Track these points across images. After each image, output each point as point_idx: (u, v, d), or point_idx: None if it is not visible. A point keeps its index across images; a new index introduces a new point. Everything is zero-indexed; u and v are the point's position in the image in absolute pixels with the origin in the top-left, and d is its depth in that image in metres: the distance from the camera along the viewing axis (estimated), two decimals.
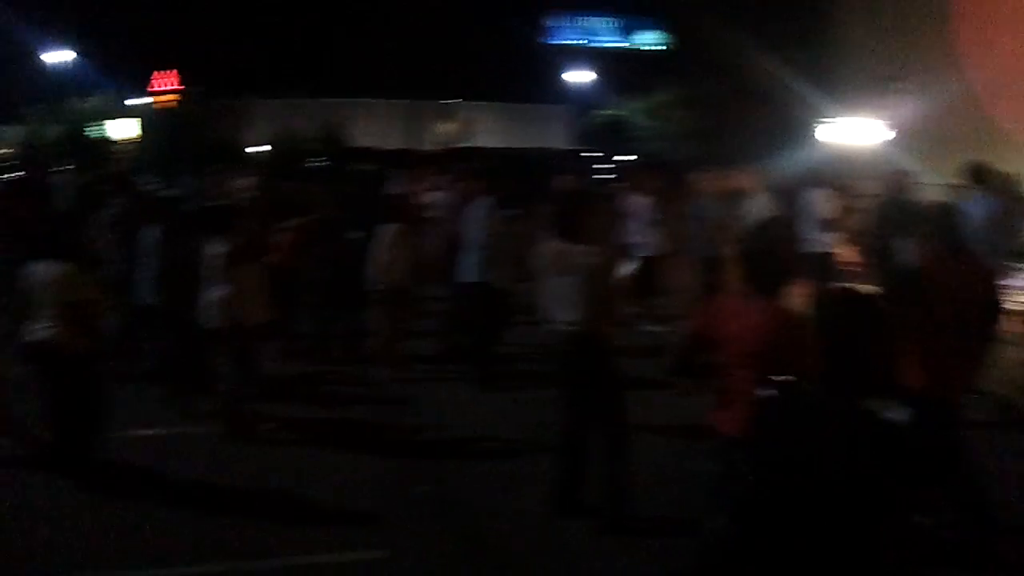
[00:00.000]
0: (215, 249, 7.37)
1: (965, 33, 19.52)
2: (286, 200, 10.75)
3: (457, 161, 17.15)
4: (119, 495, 6.24)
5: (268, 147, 45.81)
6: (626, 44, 62.75)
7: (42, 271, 6.38)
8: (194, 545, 5.49)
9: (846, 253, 10.78)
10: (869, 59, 22.35)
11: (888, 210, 9.79)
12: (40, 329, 6.30)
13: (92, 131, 45.19)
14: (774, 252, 4.09)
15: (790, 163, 15.75)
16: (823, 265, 10.25)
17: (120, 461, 6.71)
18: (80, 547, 5.47)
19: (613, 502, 5.57)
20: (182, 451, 7.08)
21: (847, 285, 9.95)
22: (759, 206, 9.59)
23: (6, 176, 18.47)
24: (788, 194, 11.19)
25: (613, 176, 34.08)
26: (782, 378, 3.01)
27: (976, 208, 8.46)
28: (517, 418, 7.97)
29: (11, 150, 41.67)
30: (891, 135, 18.37)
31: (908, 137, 20.15)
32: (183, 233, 8.23)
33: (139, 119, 47.02)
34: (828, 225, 10.28)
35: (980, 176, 8.88)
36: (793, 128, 25.94)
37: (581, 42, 60.95)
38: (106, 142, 44.82)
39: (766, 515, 2.80)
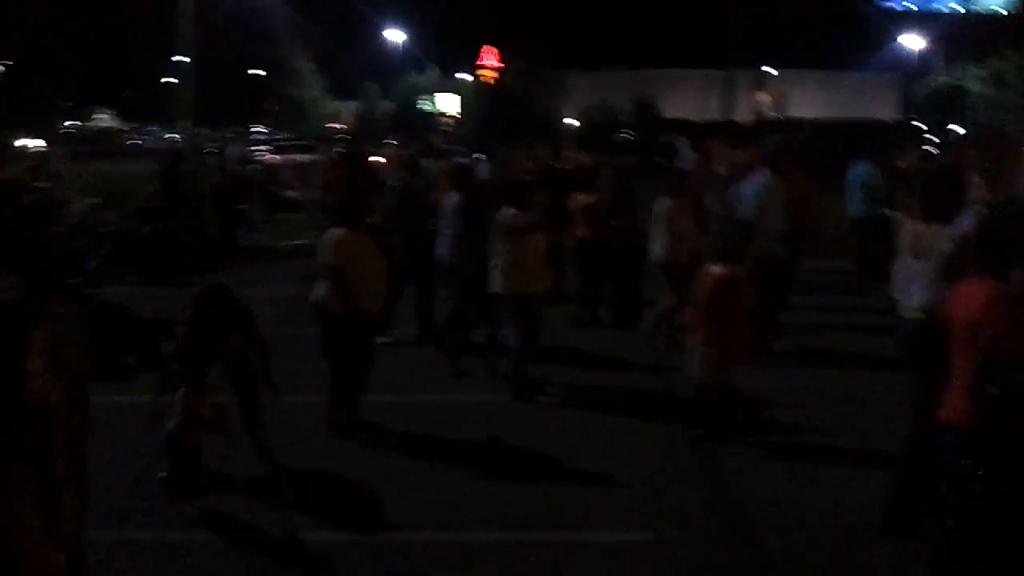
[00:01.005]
0: (504, 219, 7.51)
1: None
2: (571, 175, 10.76)
3: (767, 133, 16.45)
4: (398, 459, 6.47)
5: (575, 121, 46.58)
6: (971, 7, 57.90)
7: (325, 236, 6.84)
8: (465, 511, 5.61)
9: None
10: None
11: None
12: (315, 289, 6.73)
13: (423, 105, 48.07)
14: (1008, 234, 3.65)
15: None
16: None
17: (397, 427, 6.97)
18: (357, 509, 5.74)
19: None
20: (461, 417, 7.28)
21: None
22: None
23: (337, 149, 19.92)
24: None
25: (940, 150, 31.60)
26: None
27: None
28: (818, 402, 7.54)
29: (346, 125, 45.33)
30: None
31: None
32: (479, 202, 8.47)
33: (458, 95, 49.43)
34: None
35: None
36: None
37: (911, 7, 56.92)
38: (433, 116, 47.62)
39: (997, 515, 2.56)
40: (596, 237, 9.94)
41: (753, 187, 8.75)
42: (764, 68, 55.99)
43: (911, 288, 5.22)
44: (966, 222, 5.00)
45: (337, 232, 6.71)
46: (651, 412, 7.43)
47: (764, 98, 57.76)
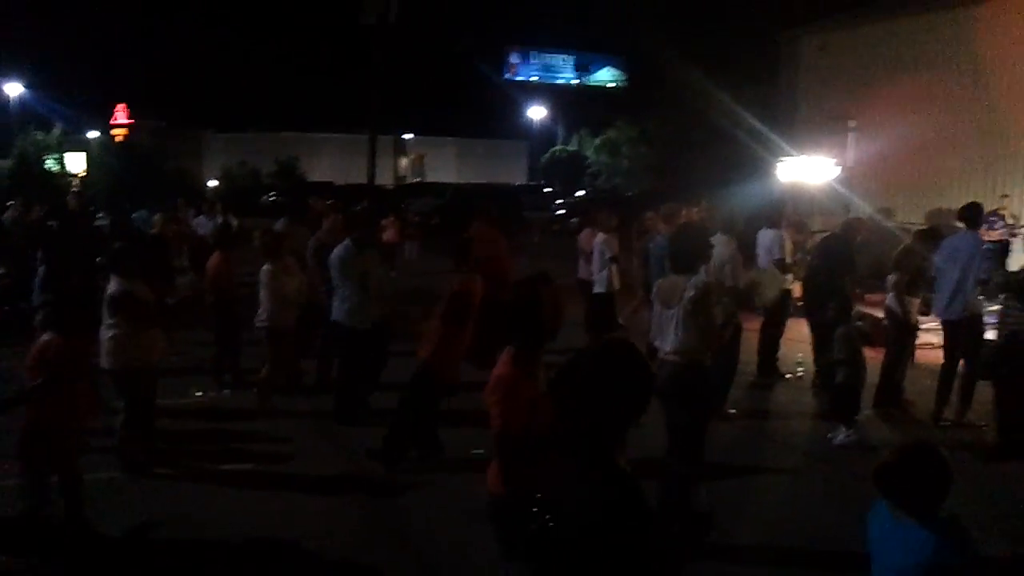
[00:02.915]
0: (112, 287, 7.19)
1: (913, 79, 19.96)
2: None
3: (409, 196, 17.01)
4: None
5: (215, 182, 45.34)
6: (584, 81, 63.46)
7: None
8: None
9: (797, 289, 10.81)
10: (823, 99, 22.75)
11: (834, 247, 9.87)
12: None
13: (50, 165, 44.42)
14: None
15: (746, 200, 15.85)
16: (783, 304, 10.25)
17: None
18: None
19: None
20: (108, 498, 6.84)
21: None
22: (714, 244, 9.46)
23: None
24: (744, 232, 11.19)
25: (567, 212, 34.34)
26: None
27: (965, 245, 8.65)
28: None
29: None
30: (839, 173, 18.65)
31: (857, 176, 20.55)
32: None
33: (84, 152, 46.33)
34: (783, 264, 10.27)
35: (974, 216, 9.02)
36: (748, 165, 26.28)
37: (537, 79, 61.52)
38: (58, 176, 44.10)
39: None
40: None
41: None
42: (404, 135, 57.80)
43: (666, 334, 5.89)
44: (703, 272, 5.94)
45: None
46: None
47: (404, 163, 59.61)
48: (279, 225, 11.48)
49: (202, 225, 16.80)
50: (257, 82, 62.10)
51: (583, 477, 2.60)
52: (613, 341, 2.84)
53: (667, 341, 5.92)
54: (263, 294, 8.87)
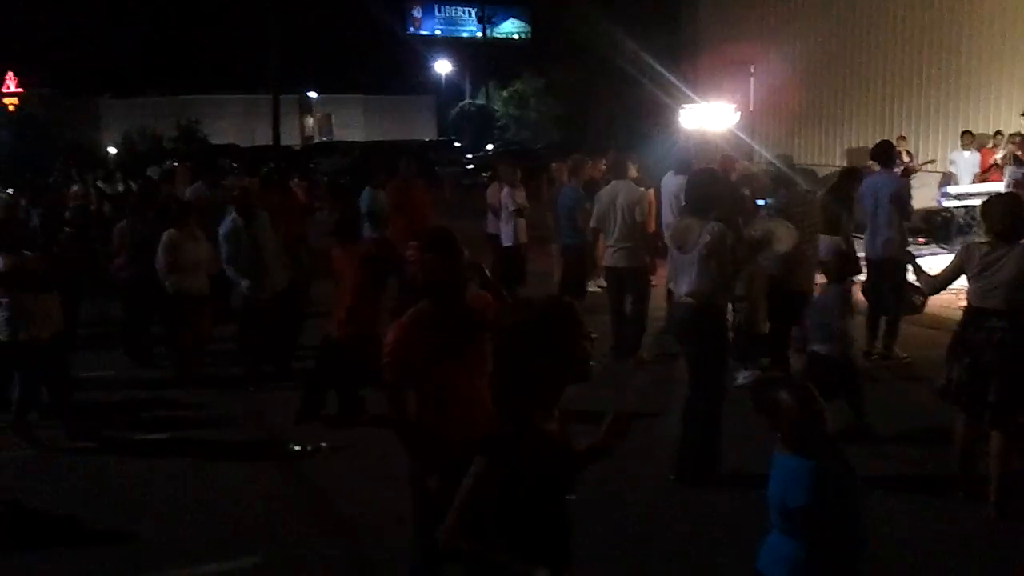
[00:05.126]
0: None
1: (810, 23, 20.42)
2: None
3: (318, 156, 16.80)
4: None
5: (114, 149, 43.93)
6: (489, 34, 62.94)
7: None
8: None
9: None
10: (724, 44, 23.04)
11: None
12: None
13: None
14: None
15: (651, 149, 16.04)
16: None
17: None
18: None
19: None
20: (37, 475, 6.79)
21: None
22: (623, 192, 9.59)
23: None
24: (649, 180, 11.33)
25: (477, 167, 34.30)
26: None
27: (882, 186, 8.90)
28: None
29: None
30: (740, 119, 18.97)
31: (758, 122, 21.00)
32: None
33: None
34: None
35: (887, 156, 9.23)
36: (654, 114, 26.57)
37: (440, 33, 60.90)
38: None
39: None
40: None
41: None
42: (309, 93, 56.77)
43: (682, 277, 6.04)
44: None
45: None
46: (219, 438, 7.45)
47: (311, 122, 58.67)
48: (189, 192, 11.36)
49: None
50: (153, 43, 60.08)
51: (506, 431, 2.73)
52: (548, 299, 2.90)
53: (682, 284, 6.09)
54: (159, 260, 8.72)
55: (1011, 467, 5.51)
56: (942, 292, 6.14)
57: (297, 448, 5.56)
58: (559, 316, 2.75)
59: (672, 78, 24.11)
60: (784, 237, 7.02)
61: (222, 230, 8.62)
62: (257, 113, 50.30)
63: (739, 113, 18.76)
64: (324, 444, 7.06)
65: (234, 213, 8.67)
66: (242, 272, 8.57)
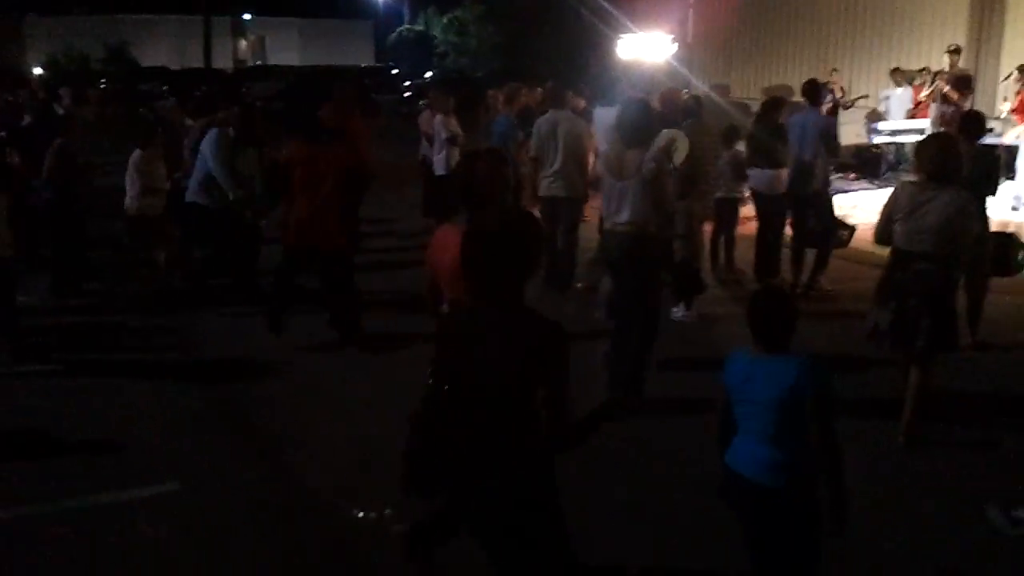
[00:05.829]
0: None
1: None
2: None
3: (250, 81, 16.42)
4: None
5: (40, 69, 42.37)
6: None
7: None
8: None
9: None
10: None
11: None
12: None
13: None
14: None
15: (590, 78, 15.95)
16: None
17: None
18: None
19: None
20: None
21: None
22: (564, 122, 9.51)
23: None
24: (586, 110, 11.30)
25: (415, 95, 33.84)
26: None
27: (809, 122, 8.93)
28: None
29: None
30: (677, 50, 18.96)
31: (696, 53, 21.00)
32: None
33: None
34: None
35: (814, 93, 9.30)
36: (593, 44, 26.40)
37: None
38: None
39: None
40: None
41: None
42: (243, 15, 55.29)
43: (620, 205, 6.08)
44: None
45: None
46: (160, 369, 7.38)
47: (244, 45, 57.24)
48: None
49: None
50: None
51: (507, 320, 3.05)
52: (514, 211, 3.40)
53: (622, 212, 6.10)
54: (132, 182, 8.73)
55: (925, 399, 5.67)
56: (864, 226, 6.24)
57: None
58: (520, 223, 3.19)
59: (611, 8, 23.92)
60: (682, 148, 7.42)
61: (211, 141, 8.42)
62: (189, 35, 48.91)
63: (676, 44, 18.73)
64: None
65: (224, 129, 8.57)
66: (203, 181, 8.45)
